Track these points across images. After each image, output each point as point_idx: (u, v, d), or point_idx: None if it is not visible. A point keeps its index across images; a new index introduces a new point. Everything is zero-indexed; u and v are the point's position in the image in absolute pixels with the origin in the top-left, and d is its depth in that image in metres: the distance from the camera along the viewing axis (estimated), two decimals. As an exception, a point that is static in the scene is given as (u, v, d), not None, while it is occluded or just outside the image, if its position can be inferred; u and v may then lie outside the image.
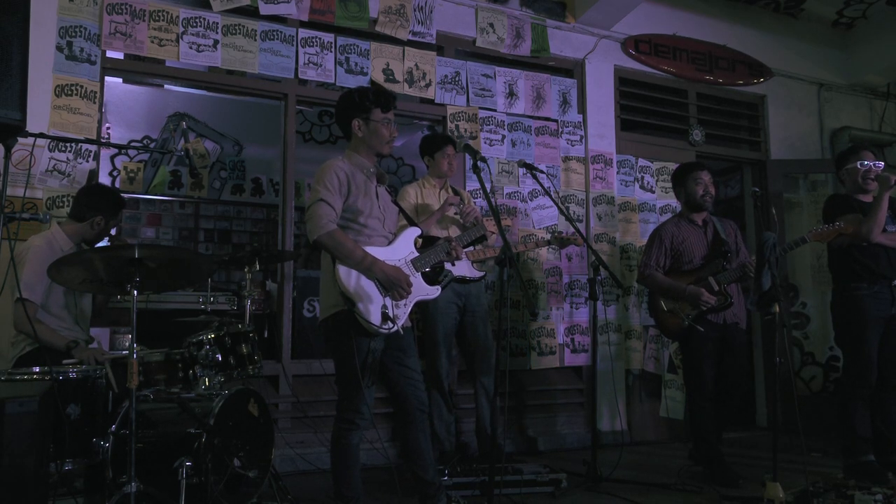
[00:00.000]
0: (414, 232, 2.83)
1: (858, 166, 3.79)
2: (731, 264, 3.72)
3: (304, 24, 4.24)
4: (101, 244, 3.30)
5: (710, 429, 3.72)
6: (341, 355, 2.62)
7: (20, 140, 2.30)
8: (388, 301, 2.61)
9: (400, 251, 2.74)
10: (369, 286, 2.58)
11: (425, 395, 2.79)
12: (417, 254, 2.78)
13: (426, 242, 2.94)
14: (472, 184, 4.54)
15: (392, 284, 2.58)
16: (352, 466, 2.66)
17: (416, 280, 2.72)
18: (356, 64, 4.34)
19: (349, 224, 2.66)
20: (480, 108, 4.69)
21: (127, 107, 6.57)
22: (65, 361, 2.71)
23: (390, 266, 2.61)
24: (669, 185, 5.17)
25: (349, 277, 2.56)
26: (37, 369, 2.52)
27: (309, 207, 2.61)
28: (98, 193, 3.23)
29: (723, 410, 3.80)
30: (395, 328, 2.60)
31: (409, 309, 2.70)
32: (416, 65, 4.53)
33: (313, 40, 4.24)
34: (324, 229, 2.53)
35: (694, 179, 3.87)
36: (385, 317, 2.56)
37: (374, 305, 2.56)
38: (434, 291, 2.80)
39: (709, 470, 3.70)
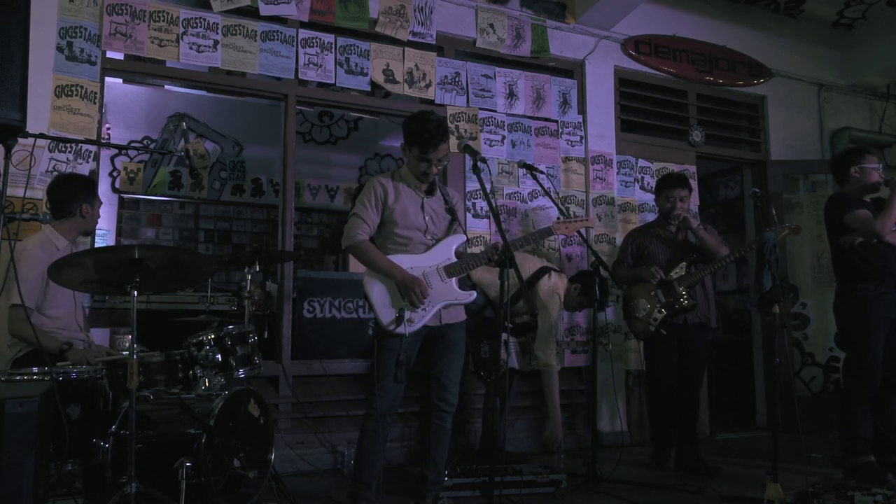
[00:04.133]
0: (457, 239, 2.96)
1: (868, 167, 3.81)
2: (696, 269, 3.89)
3: (304, 25, 4.24)
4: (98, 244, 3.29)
5: (661, 418, 4.04)
6: (373, 350, 2.84)
7: (20, 140, 2.29)
8: (407, 304, 2.76)
9: (434, 258, 2.88)
10: (388, 291, 2.79)
11: (449, 395, 2.88)
12: (455, 260, 2.89)
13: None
14: (472, 184, 4.55)
15: (406, 290, 2.74)
16: (366, 453, 2.82)
17: (446, 285, 2.85)
18: (356, 64, 4.34)
19: (386, 234, 2.89)
20: (480, 108, 4.69)
21: (127, 107, 6.57)
22: (59, 364, 2.70)
23: (409, 274, 2.77)
24: (669, 185, 5.22)
25: (371, 282, 2.81)
26: (36, 370, 2.52)
27: (348, 219, 2.90)
28: (69, 183, 3.14)
29: (685, 409, 3.98)
30: (403, 331, 2.73)
31: (433, 312, 2.82)
32: (416, 65, 4.53)
33: (313, 41, 4.24)
34: (352, 240, 2.82)
35: (665, 197, 4.06)
36: (398, 319, 2.73)
37: (389, 308, 2.78)
38: (467, 297, 2.91)
39: (660, 447, 4.05)
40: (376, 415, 2.80)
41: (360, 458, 2.83)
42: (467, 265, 2.89)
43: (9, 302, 2.80)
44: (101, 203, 3.20)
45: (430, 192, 2.96)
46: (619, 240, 5.01)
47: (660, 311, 3.89)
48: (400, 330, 2.73)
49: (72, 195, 3.06)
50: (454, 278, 2.87)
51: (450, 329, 2.90)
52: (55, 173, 3.50)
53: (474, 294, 2.92)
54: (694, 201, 5.37)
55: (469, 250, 3.66)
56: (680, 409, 3.97)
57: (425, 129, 2.79)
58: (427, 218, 2.91)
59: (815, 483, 3.32)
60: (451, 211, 2.98)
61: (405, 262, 2.81)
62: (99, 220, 3.23)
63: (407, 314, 2.74)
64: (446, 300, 2.85)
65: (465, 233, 3.06)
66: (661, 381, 3.99)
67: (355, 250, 2.83)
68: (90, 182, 3.24)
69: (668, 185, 4.09)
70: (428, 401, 2.93)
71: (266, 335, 4.13)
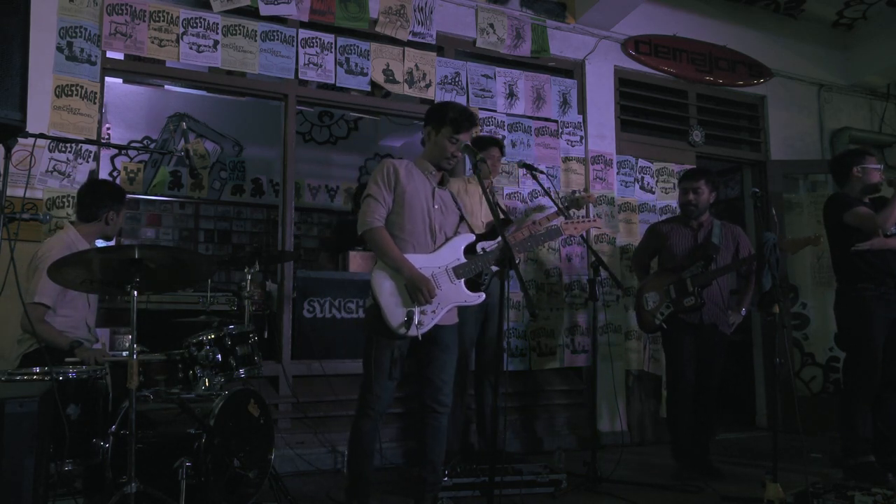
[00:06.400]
0: (466, 239, 2.88)
1: (870, 167, 3.81)
2: (712, 267, 3.82)
3: (304, 25, 4.24)
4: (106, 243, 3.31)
5: (684, 423, 3.84)
6: (365, 346, 2.77)
7: (20, 140, 2.29)
8: (416, 306, 2.69)
9: (443, 258, 2.81)
10: (398, 291, 2.72)
11: (443, 396, 2.83)
12: (464, 261, 2.82)
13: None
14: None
15: (414, 290, 2.68)
16: (359, 452, 2.77)
17: (455, 287, 2.78)
18: (356, 64, 4.34)
19: (393, 220, 2.80)
20: (480, 108, 4.69)
21: (127, 107, 6.57)
22: (67, 360, 2.72)
23: (418, 273, 2.70)
24: (669, 185, 5.24)
25: (380, 280, 2.72)
26: (37, 370, 2.52)
27: (361, 202, 2.82)
28: (100, 189, 3.26)
29: (699, 409, 3.88)
30: (414, 334, 2.67)
31: (441, 315, 2.75)
32: (416, 65, 4.53)
33: (313, 41, 4.24)
34: (369, 225, 2.75)
35: (683, 189, 4.04)
36: (408, 322, 2.65)
37: (398, 308, 2.70)
38: (475, 298, 2.84)
39: (683, 464, 3.80)
40: (374, 414, 2.76)
41: (360, 459, 2.78)
42: (477, 266, 2.84)
43: (29, 298, 2.84)
44: (126, 212, 3.27)
45: (440, 185, 2.93)
46: (619, 240, 5.03)
47: (667, 307, 3.87)
48: (411, 333, 2.66)
49: (101, 201, 3.15)
50: (463, 279, 2.80)
51: (442, 331, 2.83)
52: (55, 173, 3.51)
53: (483, 296, 2.85)
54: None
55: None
56: (696, 411, 3.88)
57: (460, 109, 2.83)
58: (437, 206, 2.85)
59: (815, 483, 3.32)
60: (459, 208, 2.97)
61: (415, 262, 2.74)
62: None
63: (416, 316, 2.68)
64: (455, 302, 2.79)
65: (473, 232, 2.99)
66: (685, 379, 3.83)
67: (369, 237, 2.76)
68: (120, 191, 3.32)
69: (681, 179, 4.17)
70: (421, 402, 2.87)
71: (266, 335, 4.12)
